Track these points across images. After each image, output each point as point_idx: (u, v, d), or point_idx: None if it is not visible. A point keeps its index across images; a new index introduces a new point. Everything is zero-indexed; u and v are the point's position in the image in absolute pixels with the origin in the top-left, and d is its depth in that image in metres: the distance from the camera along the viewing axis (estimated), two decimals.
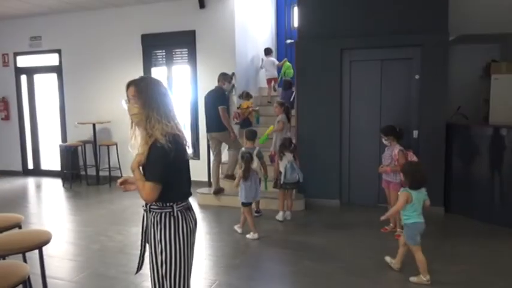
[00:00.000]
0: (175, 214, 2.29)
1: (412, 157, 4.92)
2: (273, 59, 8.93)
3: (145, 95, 2.25)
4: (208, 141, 6.71)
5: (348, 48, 6.20)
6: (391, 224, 5.19)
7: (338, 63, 6.22)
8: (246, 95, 7.54)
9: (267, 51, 8.90)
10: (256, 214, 5.89)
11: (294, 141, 6.03)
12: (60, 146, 8.76)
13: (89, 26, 8.77)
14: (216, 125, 6.30)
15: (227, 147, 6.57)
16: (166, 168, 2.20)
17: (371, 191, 6.19)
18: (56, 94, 9.29)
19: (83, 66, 8.91)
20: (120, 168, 8.38)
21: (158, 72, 8.52)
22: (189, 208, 2.40)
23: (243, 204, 5.16)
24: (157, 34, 8.22)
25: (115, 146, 8.42)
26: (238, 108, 7.37)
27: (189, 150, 2.34)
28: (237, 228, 5.31)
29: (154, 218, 2.32)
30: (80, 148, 8.74)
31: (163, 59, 8.42)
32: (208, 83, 7.90)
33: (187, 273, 2.35)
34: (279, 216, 5.74)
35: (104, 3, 8.19)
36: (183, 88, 8.33)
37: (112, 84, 8.54)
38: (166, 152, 2.17)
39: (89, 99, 8.91)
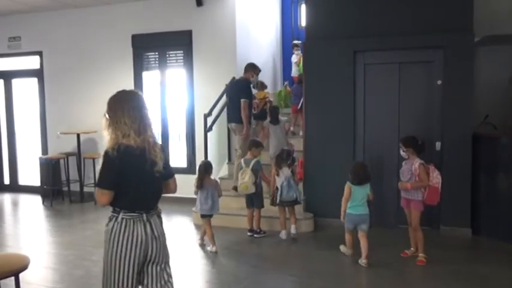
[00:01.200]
0: (119, 220, 2.67)
1: (434, 172, 4.89)
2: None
3: (110, 112, 2.72)
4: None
5: (362, 50, 6.21)
6: (412, 248, 5.14)
7: (351, 66, 6.22)
8: (260, 85, 7.66)
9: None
10: (256, 235, 5.95)
11: (294, 151, 6.05)
12: (40, 158, 8.76)
13: (73, 25, 8.83)
14: (236, 116, 6.65)
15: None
16: (112, 175, 2.62)
17: (389, 210, 6.15)
18: (36, 101, 9.32)
19: (67, 70, 8.95)
20: None
21: (150, 77, 8.55)
22: (145, 221, 2.70)
23: (201, 216, 5.53)
24: (149, 34, 8.27)
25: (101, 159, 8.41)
26: (254, 99, 7.53)
27: (158, 166, 2.70)
28: (198, 240, 5.80)
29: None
30: (62, 161, 8.74)
31: (156, 62, 8.46)
32: (206, 89, 7.92)
33: (117, 283, 2.67)
34: (282, 234, 5.79)
35: (92, 0, 8.25)
36: (178, 94, 8.34)
37: (99, 90, 8.57)
38: (109, 158, 2.60)
39: (73, 107, 8.94)
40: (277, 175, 5.68)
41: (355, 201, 4.97)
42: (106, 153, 2.64)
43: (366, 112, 6.26)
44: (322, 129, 6.35)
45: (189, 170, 8.06)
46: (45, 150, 9.23)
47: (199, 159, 7.61)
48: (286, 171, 5.63)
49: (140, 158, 2.66)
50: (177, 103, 8.38)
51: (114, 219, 2.69)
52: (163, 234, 2.80)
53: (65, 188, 8.67)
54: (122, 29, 8.45)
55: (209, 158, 6.96)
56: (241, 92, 6.56)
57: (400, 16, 6.03)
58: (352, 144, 6.27)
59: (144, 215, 2.70)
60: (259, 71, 6.93)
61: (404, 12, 6.01)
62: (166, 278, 2.79)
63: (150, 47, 8.38)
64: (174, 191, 2.94)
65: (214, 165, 6.79)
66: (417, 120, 6.09)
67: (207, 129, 7.06)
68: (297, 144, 7.00)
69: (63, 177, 8.77)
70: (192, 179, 7.89)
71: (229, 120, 6.91)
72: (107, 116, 2.73)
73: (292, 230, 5.79)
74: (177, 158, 8.42)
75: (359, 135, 6.30)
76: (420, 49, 5.99)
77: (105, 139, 2.73)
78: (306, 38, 6.57)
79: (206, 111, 7.18)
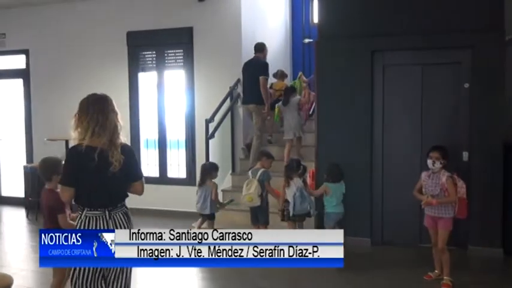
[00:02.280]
0: (82, 217, 3.17)
1: (459, 181, 4.87)
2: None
3: (79, 114, 3.25)
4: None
5: (381, 50, 6.19)
6: (436, 271, 5.09)
7: (368, 68, 6.20)
8: (281, 74, 7.80)
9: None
10: None
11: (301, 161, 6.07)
12: (25, 167, 8.78)
13: (62, 21, 8.88)
14: (255, 96, 7.14)
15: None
16: (71, 173, 3.16)
17: (410, 227, 6.10)
18: (21, 104, 9.37)
19: (55, 70, 8.99)
20: None
21: (147, 78, 8.57)
22: (107, 219, 3.15)
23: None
24: (146, 32, 8.29)
25: None
26: (270, 87, 7.68)
27: (114, 166, 3.11)
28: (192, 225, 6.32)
29: None
30: None
31: (153, 62, 8.48)
32: (207, 92, 7.92)
33: (82, 278, 3.14)
34: None
35: None
36: (177, 98, 8.35)
37: (89, 92, 8.55)
38: (70, 157, 3.20)
39: (61, 111, 8.92)
40: (288, 186, 5.70)
41: (334, 200, 5.84)
42: (68, 151, 3.26)
43: (384, 119, 6.23)
44: (336, 138, 6.32)
45: (189, 181, 8.05)
46: (30, 158, 9.24)
47: (200, 168, 7.62)
48: (297, 182, 5.67)
49: (99, 158, 3.10)
50: (176, 107, 8.39)
51: (79, 216, 3.19)
52: (131, 224, 3.27)
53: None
54: (115, 26, 8.48)
55: None
56: (259, 70, 7.09)
57: (423, 12, 6.01)
58: (369, 154, 6.24)
59: (107, 213, 3.18)
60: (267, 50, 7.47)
61: (428, 9, 6.00)
62: (126, 276, 3.28)
63: (147, 45, 8.40)
64: (141, 194, 3.38)
65: (217, 176, 6.81)
66: (442, 127, 6.06)
67: (208, 136, 7.05)
68: (309, 153, 6.98)
69: None
70: (192, 191, 7.89)
71: (245, 102, 7.35)
72: (76, 116, 3.23)
73: None
74: (176, 167, 8.41)
75: (377, 144, 6.26)
76: (445, 49, 5.97)
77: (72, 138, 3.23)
78: (318, 36, 6.57)
79: (208, 117, 7.18)
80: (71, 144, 3.23)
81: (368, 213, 6.26)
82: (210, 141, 7.08)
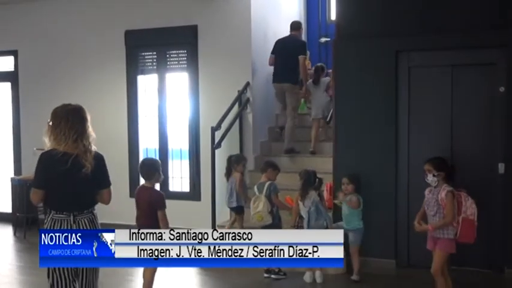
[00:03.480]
0: (48, 220, 3.65)
1: (467, 200, 4.82)
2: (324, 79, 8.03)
3: (52, 121, 3.76)
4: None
5: (406, 50, 6.17)
6: None
7: (392, 70, 6.19)
8: (321, 70, 8.01)
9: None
10: (274, 275, 6.01)
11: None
12: (12, 180, 8.82)
13: (55, 20, 8.95)
14: (291, 76, 7.67)
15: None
16: (41, 176, 3.67)
17: None
18: (9, 109, 9.43)
19: (47, 72, 9.06)
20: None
21: (147, 81, 8.60)
22: (71, 223, 3.60)
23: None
24: (146, 30, 8.34)
25: None
26: None
27: (86, 169, 3.61)
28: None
29: None
30: None
31: (154, 64, 8.51)
32: (213, 97, 7.93)
33: (53, 278, 3.64)
34: (306, 277, 5.85)
35: None
36: (180, 103, 8.37)
37: (84, 98, 8.55)
38: (41, 161, 3.67)
39: None
40: (302, 201, 5.74)
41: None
42: (41, 155, 3.69)
43: (410, 127, 6.20)
44: (356, 148, 6.30)
45: (193, 195, 8.06)
46: (18, 169, 9.29)
47: (205, 181, 7.64)
48: (313, 195, 5.72)
49: (68, 163, 3.58)
50: (179, 113, 8.41)
51: (46, 218, 3.67)
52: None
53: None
54: (112, 24, 8.54)
55: (217, 181, 6.97)
56: (298, 49, 7.67)
57: (453, 8, 5.99)
58: (393, 166, 6.20)
59: (71, 217, 3.63)
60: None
61: (458, 4, 5.98)
62: (92, 279, 3.74)
63: (147, 45, 8.44)
64: (107, 202, 3.85)
65: (223, 189, 6.82)
66: (474, 136, 6.02)
67: (214, 146, 7.05)
68: (326, 164, 6.96)
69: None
70: (197, 206, 7.93)
71: (279, 81, 7.79)
72: (50, 123, 3.72)
73: (318, 279, 5.82)
74: (178, 180, 8.42)
75: (402, 155, 6.23)
76: (478, 48, 5.94)
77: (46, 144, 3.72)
78: (336, 35, 6.56)
79: (214, 124, 7.18)
80: None
81: (392, 231, 6.21)
82: (217, 151, 7.07)
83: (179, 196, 8.27)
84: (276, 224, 5.94)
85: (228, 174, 6.71)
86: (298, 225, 5.83)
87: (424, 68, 6.19)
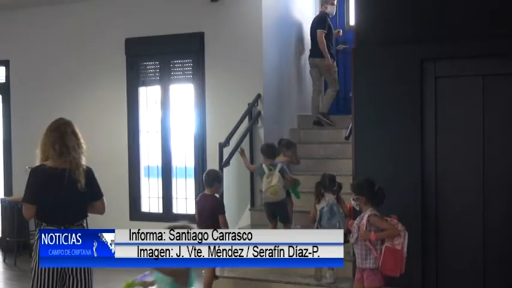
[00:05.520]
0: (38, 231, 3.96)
1: (397, 226, 4.91)
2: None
3: (44, 137, 4.24)
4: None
5: (432, 58, 6.14)
6: None
7: (417, 80, 6.15)
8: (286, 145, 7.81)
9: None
10: None
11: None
12: (2, 200, 8.85)
13: (50, 28, 9.04)
14: (316, 50, 8.61)
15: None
16: (33, 191, 4.15)
17: (473, 276, 6.00)
18: None
19: (40, 84, 9.13)
20: None
21: (149, 94, 8.63)
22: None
23: None
24: (148, 38, 8.40)
25: None
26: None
27: (80, 184, 4.16)
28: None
29: None
30: None
31: (157, 75, 8.55)
32: (221, 110, 7.94)
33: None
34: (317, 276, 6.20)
35: None
36: (185, 117, 8.39)
37: (81, 111, 8.67)
38: (32, 176, 4.16)
39: None
40: (318, 202, 6.07)
41: None
42: (32, 170, 4.20)
43: (437, 143, 6.15)
44: (377, 167, 6.24)
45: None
46: (8, 189, 9.34)
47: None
48: (330, 197, 6.02)
49: (59, 178, 4.07)
50: (184, 128, 8.43)
51: (38, 231, 3.86)
52: None
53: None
54: (111, 32, 8.61)
55: (226, 201, 6.94)
56: (317, 24, 8.57)
57: (484, 12, 5.97)
58: (419, 188, 6.13)
59: (63, 227, 4.06)
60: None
61: (490, 7, 5.96)
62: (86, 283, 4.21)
63: (149, 54, 8.50)
64: (102, 213, 4.43)
65: (233, 211, 6.84)
66: (509, 152, 5.96)
67: (222, 164, 7.04)
68: (344, 183, 6.92)
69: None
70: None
71: (309, 56, 8.83)
72: (44, 139, 4.19)
73: (329, 279, 6.07)
74: (182, 201, 8.41)
75: (428, 175, 6.16)
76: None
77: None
78: (355, 43, 6.56)
79: (222, 140, 7.18)
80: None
81: (419, 257, 6.14)
82: (225, 169, 7.07)
83: (183, 219, 8.21)
84: (284, 201, 6.65)
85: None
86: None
87: (452, 77, 6.14)
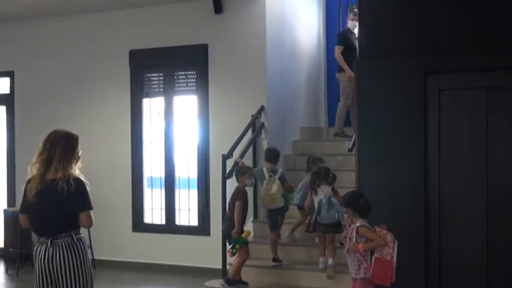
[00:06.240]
0: (36, 243, 4.29)
1: (386, 236, 4.99)
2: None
3: (40, 149, 4.29)
4: None
5: (436, 71, 6.15)
6: None
7: (420, 93, 6.15)
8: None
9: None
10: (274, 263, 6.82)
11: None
12: (5, 211, 8.85)
13: (54, 39, 9.08)
14: (338, 65, 8.68)
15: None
16: (23, 202, 4.29)
17: None
18: (3, 135, 9.52)
19: (44, 95, 9.16)
20: (91, 246, 8.32)
21: (152, 105, 8.65)
22: (48, 246, 4.13)
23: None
24: (152, 50, 8.44)
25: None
26: None
27: (60, 194, 4.08)
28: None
29: None
30: None
31: (161, 86, 8.58)
32: (225, 122, 7.96)
33: None
34: (320, 263, 6.56)
35: (77, 6, 8.49)
36: (188, 128, 8.40)
37: (85, 122, 8.70)
38: (25, 187, 4.27)
39: None
40: (315, 195, 6.43)
41: None
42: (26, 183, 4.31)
43: (441, 155, 6.14)
44: (380, 179, 6.23)
45: (202, 229, 8.04)
46: (11, 200, 9.33)
47: (215, 214, 7.62)
48: (325, 189, 6.38)
49: (47, 189, 4.10)
50: (187, 140, 8.44)
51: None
52: (70, 261, 4.13)
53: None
54: (116, 43, 8.65)
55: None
56: (336, 39, 8.83)
57: (488, 24, 5.98)
58: (422, 200, 6.12)
59: (49, 241, 4.13)
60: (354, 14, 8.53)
61: (494, 19, 5.97)
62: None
63: (153, 66, 8.53)
64: (87, 226, 4.29)
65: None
66: None
67: (226, 176, 7.05)
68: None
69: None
70: (206, 241, 7.91)
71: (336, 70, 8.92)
72: (39, 150, 4.26)
73: (331, 264, 6.36)
74: (185, 212, 8.41)
75: (431, 187, 6.15)
76: None
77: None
78: (359, 54, 6.58)
79: (225, 151, 7.19)
80: None
81: (421, 278, 6.10)
82: (228, 181, 7.08)
83: (186, 230, 8.27)
84: (286, 207, 6.97)
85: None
86: (311, 219, 6.49)
87: (456, 91, 6.13)
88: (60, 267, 4.12)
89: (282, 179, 6.86)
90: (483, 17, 6.03)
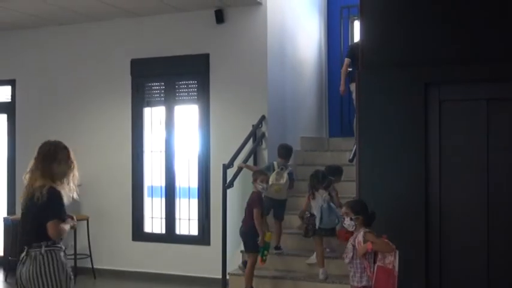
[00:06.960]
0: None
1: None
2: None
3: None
4: None
5: (437, 83, 6.15)
6: None
7: (421, 104, 6.15)
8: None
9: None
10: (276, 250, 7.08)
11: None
12: (5, 219, 8.83)
13: (56, 47, 9.10)
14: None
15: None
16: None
17: None
18: (4, 143, 9.52)
19: (46, 104, 9.17)
20: (90, 255, 8.35)
21: (153, 114, 8.66)
22: (24, 255, 4.13)
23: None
24: (153, 59, 8.46)
25: (85, 222, 8.46)
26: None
27: (35, 203, 4.11)
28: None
29: None
30: None
31: (162, 95, 8.59)
32: (226, 131, 7.96)
33: None
34: (320, 274, 6.56)
35: (78, 15, 8.50)
36: (189, 138, 8.41)
37: (86, 130, 8.72)
38: None
39: None
40: (313, 198, 6.59)
41: None
42: None
43: (442, 166, 6.14)
44: (381, 190, 6.23)
45: (202, 239, 8.02)
46: (12, 208, 9.31)
47: (215, 224, 7.61)
48: (323, 194, 6.53)
49: (29, 199, 4.17)
50: (188, 149, 8.44)
51: None
52: (33, 275, 4.05)
53: None
54: (117, 52, 8.67)
55: (229, 224, 6.96)
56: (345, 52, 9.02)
57: (489, 35, 5.99)
58: (423, 210, 6.11)
59: (24, 252, 4.14)
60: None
61: (495, 30, 5.97)
62: None
63: (154, 75, 8.54)
64: (53, 236, 4.12)
65: (237, 232, 6.83)
66: None
67: (226, 185, 7.05)
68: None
69: None
70: (206, 251, 7.91)
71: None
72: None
73: (321, 276, 6.55)
74: (186, 222, 8.39)
75: (433, 197, 6.14)
76: None
77: None
78: (360, 66, 6.58)
79: (226, 161, 7.19)
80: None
81: (422, 274, 6.08)
82: (228, 191, 7.07)
83: (186, 240, 8.25)
84: (285, 201, 7.20)
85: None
86: (308, 223, 6.56)
87: (456, 102, 6.13)
88: (26, 280, 4.11)
89: (290, 176, 7.07)
90: (484, 28, 6.04)
